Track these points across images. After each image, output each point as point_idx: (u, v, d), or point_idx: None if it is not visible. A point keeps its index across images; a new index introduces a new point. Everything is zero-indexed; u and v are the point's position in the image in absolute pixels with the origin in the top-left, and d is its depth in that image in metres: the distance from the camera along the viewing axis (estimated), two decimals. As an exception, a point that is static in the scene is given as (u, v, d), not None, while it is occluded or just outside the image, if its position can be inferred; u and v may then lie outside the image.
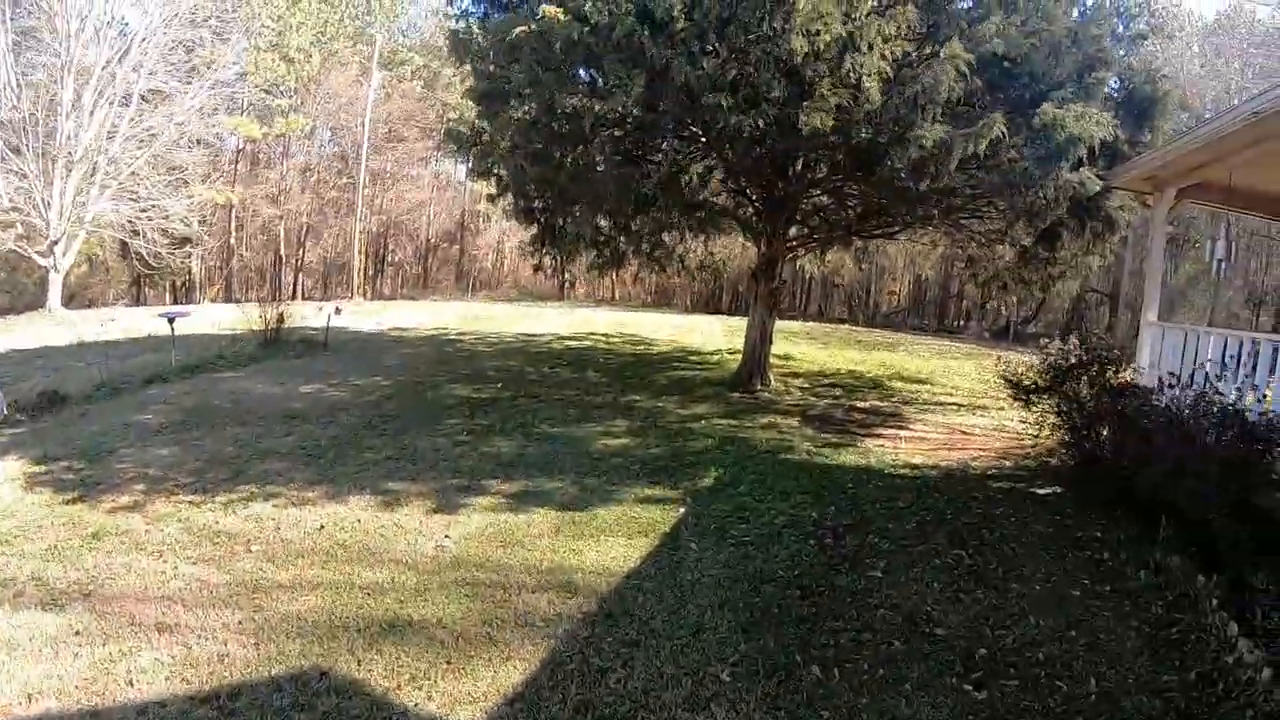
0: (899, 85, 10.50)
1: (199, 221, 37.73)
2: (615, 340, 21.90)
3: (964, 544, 8.02)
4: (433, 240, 55.50)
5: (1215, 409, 7.86)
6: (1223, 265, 10.86)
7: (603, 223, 15.05)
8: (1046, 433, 11.11)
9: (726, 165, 13.78)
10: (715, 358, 19.29)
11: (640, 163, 12.58)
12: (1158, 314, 11.98)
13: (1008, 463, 11.25)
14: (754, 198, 15.50)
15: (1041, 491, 9.82)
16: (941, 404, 15.36)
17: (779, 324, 16.16)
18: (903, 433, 12.77)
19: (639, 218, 14.18)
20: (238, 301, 39.37)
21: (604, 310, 33.67)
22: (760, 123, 10.21)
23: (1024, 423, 12.62)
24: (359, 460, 10.37)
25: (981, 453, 11.73)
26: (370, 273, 53.32)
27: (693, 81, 10.26)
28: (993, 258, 16.29)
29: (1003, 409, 14.53)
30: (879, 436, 12.37)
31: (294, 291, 45.96)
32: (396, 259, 55.95)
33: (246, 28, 39.78)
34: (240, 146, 45.36)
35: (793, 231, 16.32)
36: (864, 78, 10.08)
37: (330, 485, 9.43)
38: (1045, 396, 10.90)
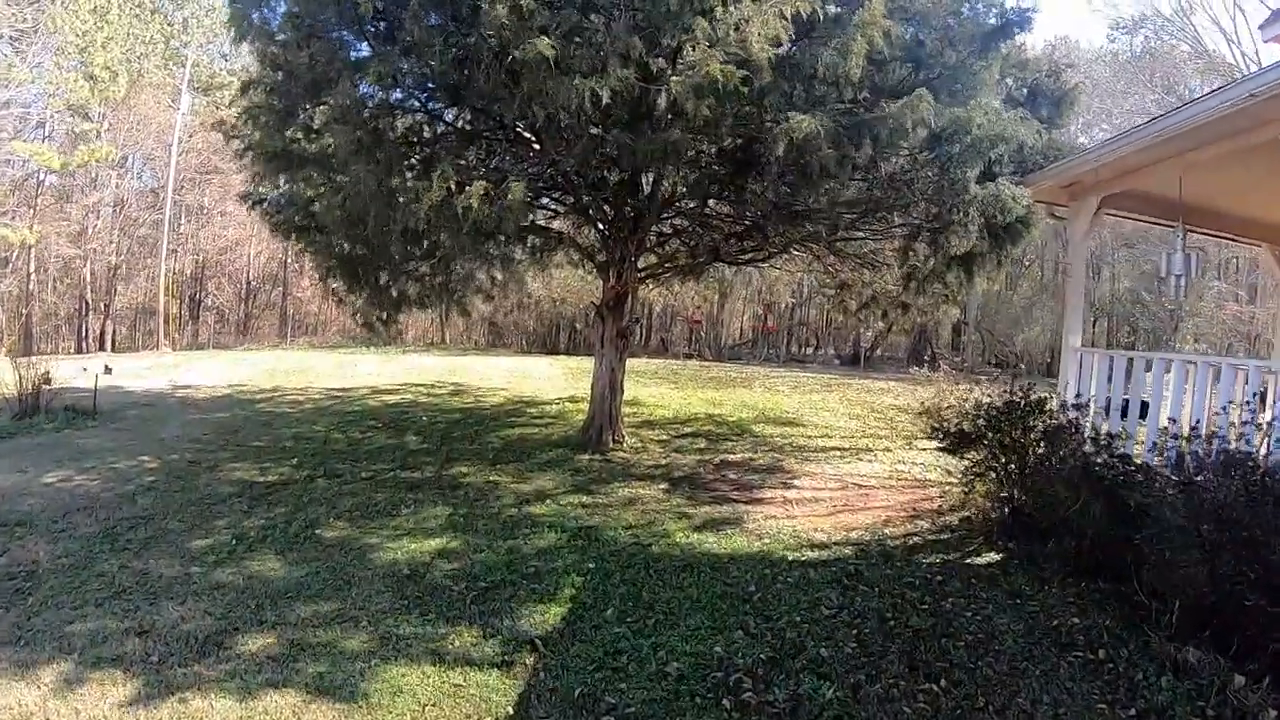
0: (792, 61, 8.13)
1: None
2: (442, 392, 19.05)
3: (929, 667, 5.87)
4: (253, 282, 50.97)
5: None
6: (1181, 282, 9.05)
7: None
8: (959, 484, 9.86)
9: (561, 178, 11.22)
10: (556, 408, 16.73)
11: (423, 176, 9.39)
12: (1081, 339, 10.36)
13: (924, 523, 9.43)
14: (599, 220, 13.01)
15: (981, 562, 8.04)
16: (822, 449, 13.47)
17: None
18: (791, 493, 10.69)
19: (408, 250, 11.38)
20: (38, 353, 35.58)
21: (432, 355, 30.67)
22: (605, 97, 7.56)
23: (919, 465, 12.12)
24: (78, 599, 7.26)
25: (889, 513, 9.82)
26: (185, 318, 48.86)
27: (508, 27, 7.61)
28: (868, 283, 14.27)
29: (889, 450, 13.61)
30: (765, 502, 10.22)
31: (101, 341, 41.46)
32: (215, 303, 51.23)
33: (45, 42, 35.51)
34: (41, 178, 40.15)
35: (644, 261, 13.97)
36: (752, 40, 7.61)
37: (22, 649, 6.36)
38: (974, 447, 8.84)
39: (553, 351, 35.59)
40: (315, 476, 11.19)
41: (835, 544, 8.54)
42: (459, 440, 13.46)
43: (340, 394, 18.40)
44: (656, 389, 20.18)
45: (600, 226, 13.11)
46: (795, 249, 13.20)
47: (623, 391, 13.32)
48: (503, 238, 10.25)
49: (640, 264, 13.46)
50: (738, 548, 8.38)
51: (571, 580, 7.50)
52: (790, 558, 8.09)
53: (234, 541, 8.67)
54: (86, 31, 36.72)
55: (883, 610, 6.81)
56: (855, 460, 12.68)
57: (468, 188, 8.26)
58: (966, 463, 9.18)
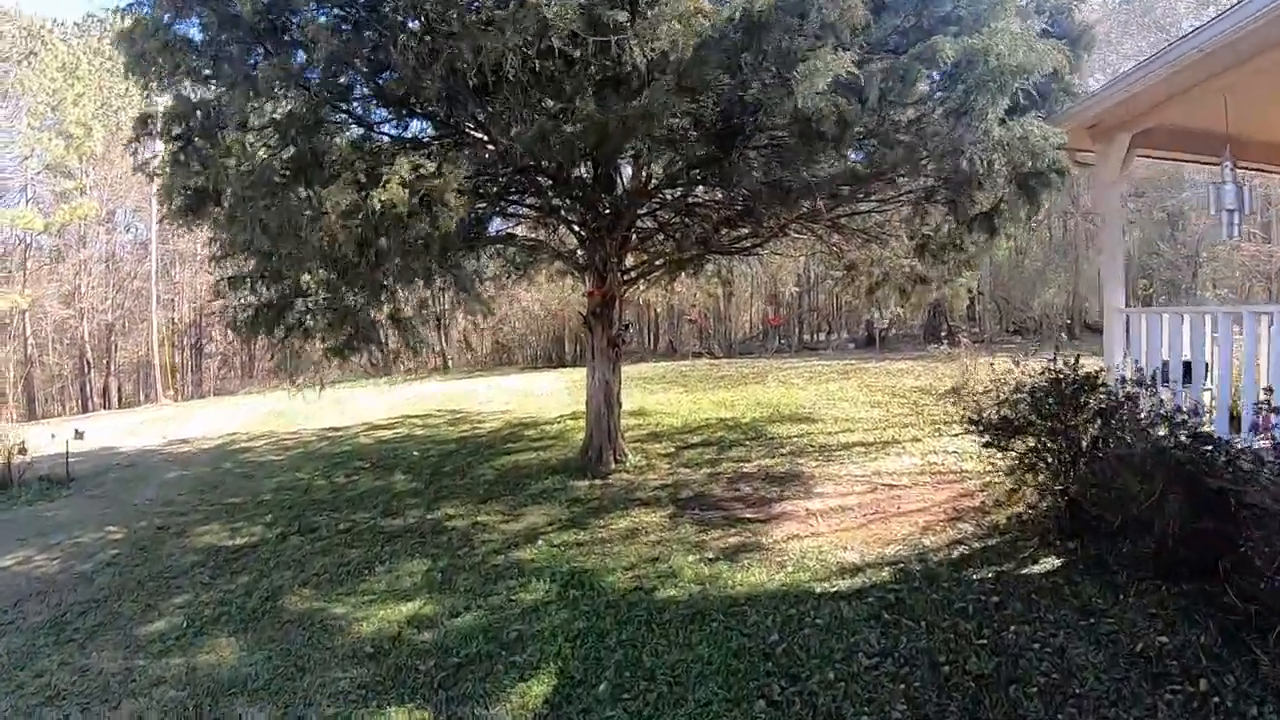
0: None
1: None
2: (437, 422, 17.93)
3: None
4: (254, 324, 50.06)
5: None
6: (1234, 218, 7.86)
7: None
8: (1003, 474, 8.53)
9: (524, 178, 10.09)
10: (556, 427, 15.58)
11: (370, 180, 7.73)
12: (1124, 297, 9.23)
13: (968, 526, 8.20)
14: (574, 221, 11.86)
15: (1040, 570, 6.86)
16: (844, 446, 12.24)
17: (629, 370, 12.58)
18: (814, 503, 9.52)
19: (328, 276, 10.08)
20: (43, 417, 35.30)
21: (433, 382, 29.49)
22: (554, 44, 6.38)
23: (953, 455, 11.02)
24: (8, 707, 6.41)
25: (927, 517, 8.61)
26: (187, 366, 48.06)
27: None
28: (877, 260, 13.06)
29: (917, 439, 12.23)
30: (785, 518, 9.06)
31: (105, 398, 41.31)
32: (218, 349, 50.25)
33: (15, 104, 34.69)
34: (28, 241, 39.51)
35: (630, 260, 12.81)
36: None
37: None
38: (1020, 435, 7.64)
39: (559, 364, 34.44)
40: (288, 534, 10.17)
41: (869, 565, 7.40)
42: (449, 475, 12.37)
43: (333, 434, 17.31)
44: (664, 395, 19.06)
45: (575, 228, 11.97)
46: (793, 230, 11.96)
47: (620, 404, 12.17)
48: (441, 251, 8.94)
49: (627, 263, 12.36)
50: (756, 583, 7.22)
51: (559, 648, 6.35)
52: (818, 590, 6.93)
53: (186, 624, 7.75)
54: (56, 90, 36.00)
55: (934, 652, 5.68)
56: (882, 455, 11.48)
57: (383, 185, 7.09)
58: (1011, 453, 7.95)
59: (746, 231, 11.77)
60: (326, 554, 9.22)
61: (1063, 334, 30.11)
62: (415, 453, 14.29)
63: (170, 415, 24.83)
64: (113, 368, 43.58)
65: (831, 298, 38.60)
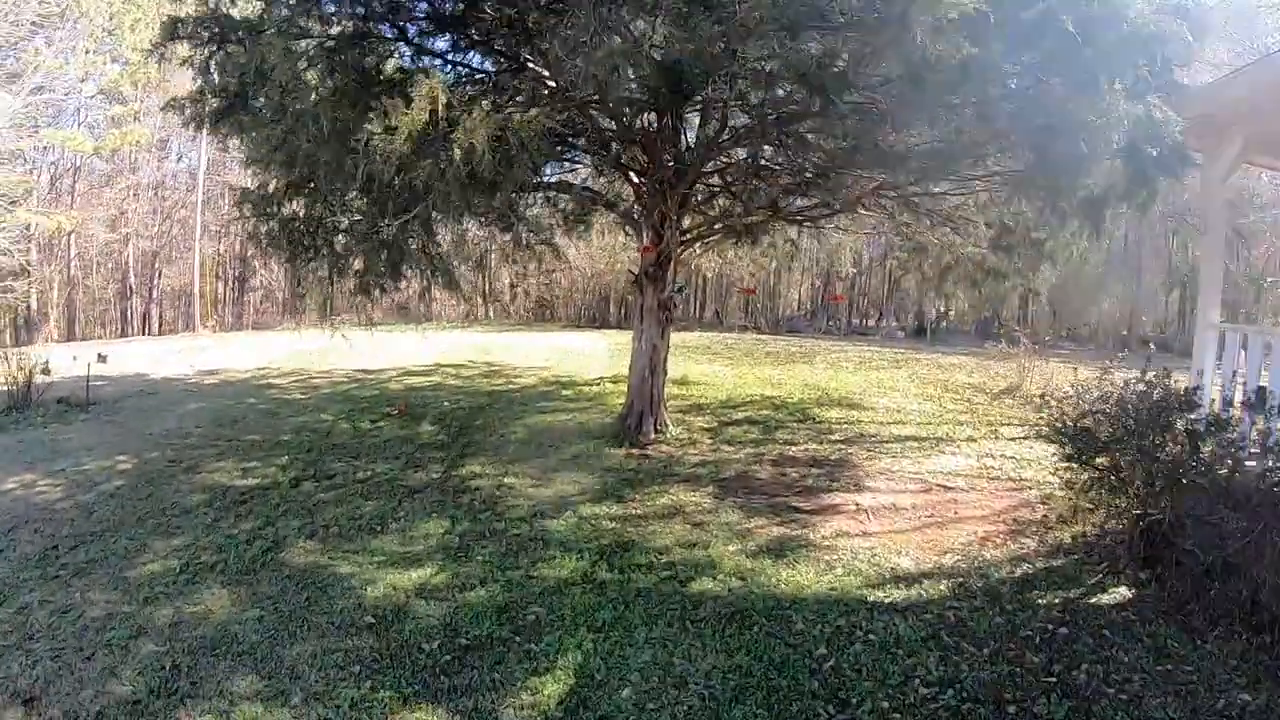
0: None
1: (29, 250, 32.95)
2: (472, 373, 17.35)
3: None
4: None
5: None
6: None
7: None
8: (1073, 491, 7.82)
9: (587, 123, 9.36)
10: (595, 389, 14.96)
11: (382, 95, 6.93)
12: (1219, 313, 8.61)
13: (1030, 541, 7.54)
14: (635, 171, 11.15)
15: (1110, 602, 6.22)
16: (896, 439, 11.51)
17: (673, 337, 11.91)
18: (865, 498, 8.80)
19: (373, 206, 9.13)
20: (83, 339, 35.00)
21: (473, 332, 28.99)
22: None
23: (1011, 460, 10.34)
24: None
25: (986, 527, 7.95)
26: (229, 299, 47.78)
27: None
28: (948, 246, 12.26)
29: (972, 439, 11.55)
30: (834, 511, 8.38)
31: (145, 324, 40.90)
32: (263, 282, 49.91)
33: (72, 27, 34.25)
34: (78, 164, 39.38)
35: (688, 221, 12.08)
36: None
37: None
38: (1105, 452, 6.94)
39: (602, 325, 33.75)
40: (302, 479, 9.59)
41: (926, 575, 6.72)
42: (478, 430, 11.75)
43: (364, 376, 16.73)
44: (709, 366, 18.41)
45: (635, 180, 11.24)
46: (865, 206, 11.16)
47: (666, 371, 11.49)
48: (511, 192, 8.23)
49: (685, 224, 11.63)
50: (803, 583, 6.55)
51: (580, 639, 5.68)
52: (871, 599, 6.26)
53: (179, 569, 7.16)
54: (115, 14, 35.43)
55: (999, 684, 5.03)
56: (936, 453, 10.76)
57: (465, 116, 6.39)
58: (1090, 469, 7.22)
59: (816, 201, 11.01)
60: (339, 504, 8.64)
61: (1114, 345, 29.13)
62: (446, 403, 13.69)
63: (205, 345, 24.46)
64: (155, 295, 43.27)
65: (884, 283, 37.68)
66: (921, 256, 13.10)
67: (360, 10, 7.46)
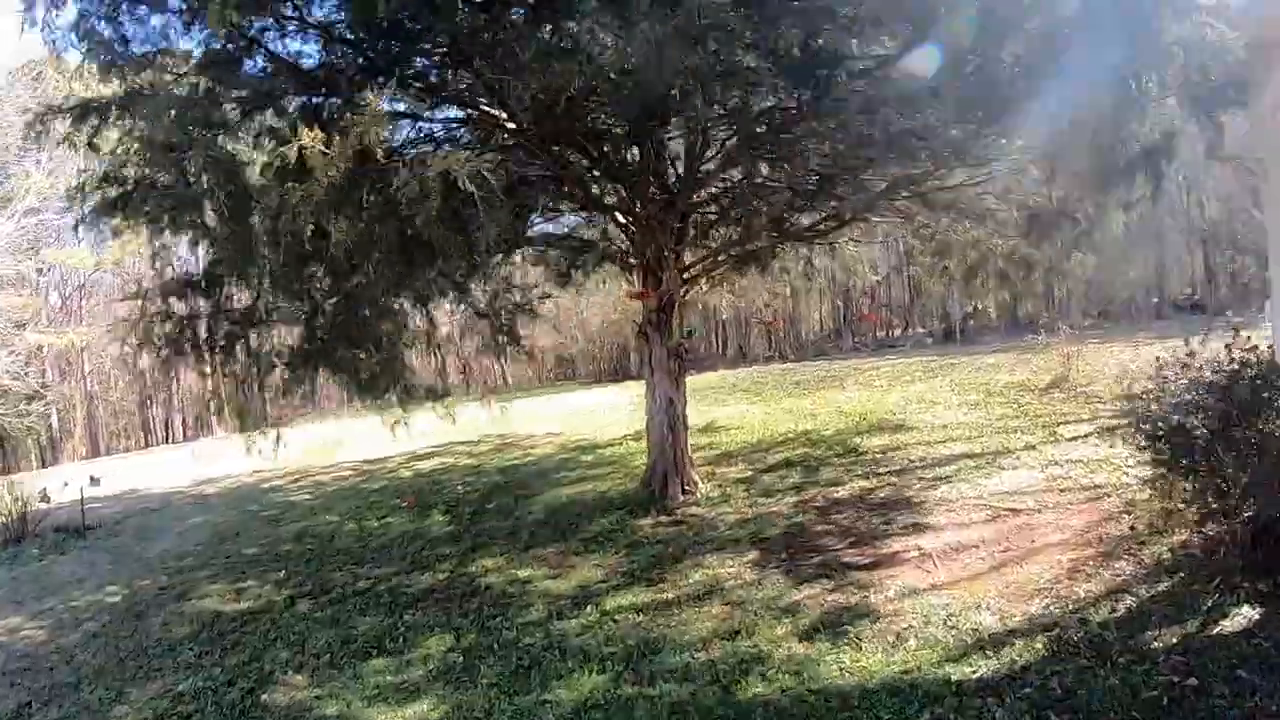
0: None
1: (44, 370, 33.10)
2: (486, 449, 16.38)
3: None
4: (315, 350, 49.38)
5: None
6: None
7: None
8: (1162, 493, 6.94)
9: (547, 151, 8.29)
10: (616, 450, 13.95)
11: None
12: None
13: (1125, 565, 6.46)
14: (618, 209, 10.17)
15: (1234, 629, 5.17)
16: (949, 459, 10.47)
17: (695, 381, 10.85)
18: (927, 539, 7.76)
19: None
20: (107, 453, 35.26)
21: (489, 403, 28.03)
22: None
23: (1079, 463, 9.29)
24: None
25: (1071, 554, 6.87)
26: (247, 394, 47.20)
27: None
28: (973, 241, 11.18)
29: (1030, 446, 10.47)
30: (895, 561, 7.35)
31: (168, 431, 40.51)
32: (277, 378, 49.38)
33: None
34: (84, 280, 39.66)
35: (689, 256, 11.10)
36: None
37: None
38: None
39: (623, 377, 32.60)
40: (297, 597, 8.77)
41: (1014, 633, 5.63)
42: (492, 515, 10.80)
43: (371, 467, 15.83)
44: (736, 406, 17.40)
45: (620, 218, 10.24)
46: (878, 211, 10.12)
47: (688, 424, 10.46)
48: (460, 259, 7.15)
49: (685, 260, 10.65)
50: (870, 669, 5.43)
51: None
52: (955, 678, 5.15)
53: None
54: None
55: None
56: (995, 469, 9.70)
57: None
58: (1188, 476, 6.15)
59: (823, 215, 9.99)
60: (334, 624, 7.72)
61: (1148, 318, 27.89)
62: (459, 487, 12.80)
63: (218, 451, 23.60)
64: (174, 401, 42.86)
65: (905, 290, 36.53)
66: (945, 257, 12.02)
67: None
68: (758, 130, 7.89)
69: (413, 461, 15.86)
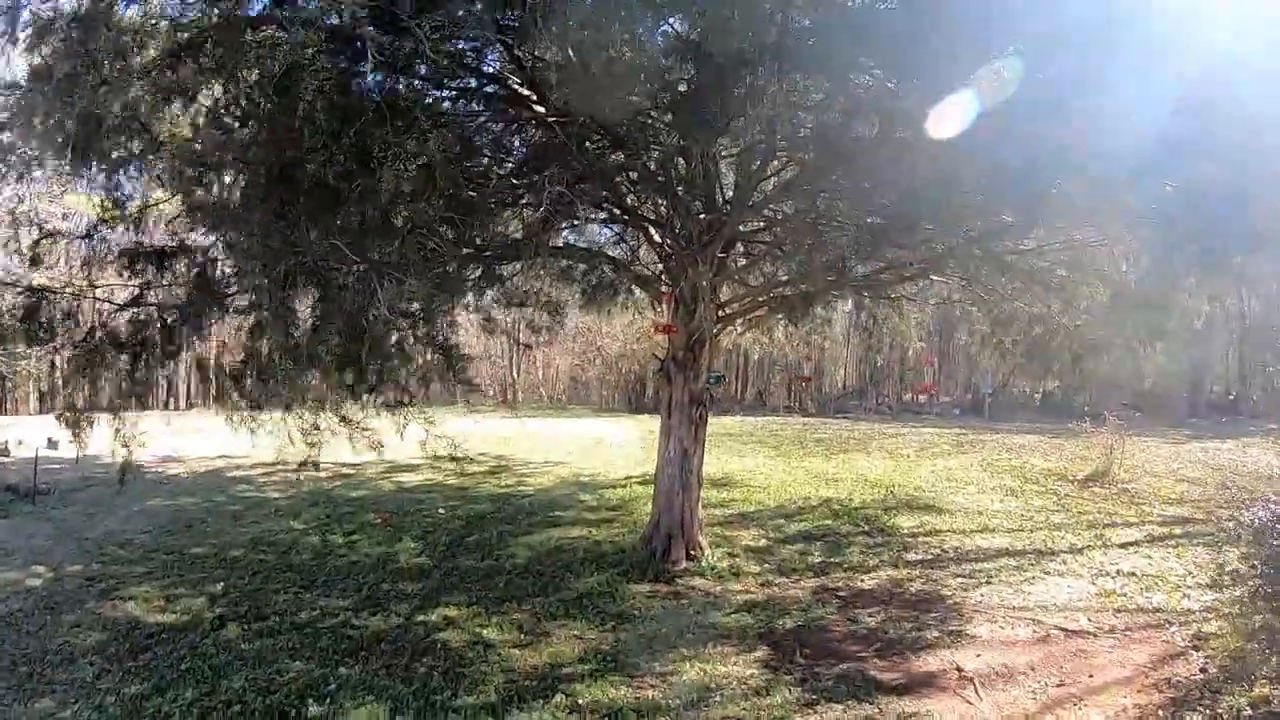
0: None
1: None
2: (480, 470, 15.15)
3: None
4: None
5: None
6: None
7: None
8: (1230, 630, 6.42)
9: (587, 164, 7.08)
10: (620, 493, 12.74)
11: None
12: None
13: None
14: (653, 223, 8.98)
15: None
16: (987, 554, 9.49)
17: (712, 424, 9.60)
18: (967, 654, 6.63)
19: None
20: (107, 409, 33.18)
21: (495, 419, 26.87)
22: None
23: (1132, 578, 8.42)
24: None
25: (1135, 695, 5.84)
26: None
27: None
28: (1039, 316, 9.90)
29: (1076, 548, 9.63)
30: (931, 684, 6.15)
31: (168, 398, 38.79)
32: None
33: None
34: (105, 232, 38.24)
35: (725, 291, 9.94)
36: None
37: None
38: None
39: (637, 409, 31.45)
40: (229, 618, 7.67)
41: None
42: (470, 550, 9.63)
43: (352, 471, 14.57)
44: (754, 459, 16.33)
45: (654, 234, 9.04)
46: (944, 267, 8.87)
47: (701, 480, 9.23)
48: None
49: (721, 295, 9.46)
50: None
51: None
52: None
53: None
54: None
55: None
56: (1039, 573, 8.65)
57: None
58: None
59: (881, 266, 8.75)
60: (258, 663, 6.56)
61: (1180, 413, 26.75)
62: (441, 510, 11.65)
63: (204, 425, 22.42)
64: (181, 368, 41.96)
65: (934, 355, 35.13)
66: (1004, 330, 10.75)
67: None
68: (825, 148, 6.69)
69: (397, 473, 14.70)
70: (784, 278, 9.56)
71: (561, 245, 9.64)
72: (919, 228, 7.34)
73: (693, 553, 8.70)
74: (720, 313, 9.41)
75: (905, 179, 6.69)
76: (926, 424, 25.37)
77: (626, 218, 8.95)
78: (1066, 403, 26.85)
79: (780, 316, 10.97)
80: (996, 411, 29.05)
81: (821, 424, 24.50)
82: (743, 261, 10.06)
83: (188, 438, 19.22)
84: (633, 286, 11.07)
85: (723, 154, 8.17)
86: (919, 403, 35.11)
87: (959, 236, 7.59)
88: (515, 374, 36.08)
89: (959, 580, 8.43)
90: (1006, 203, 6.53)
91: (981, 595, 7.98)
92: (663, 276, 9.74)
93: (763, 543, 9.70)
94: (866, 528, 10.47)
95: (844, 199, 7.83)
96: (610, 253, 10.94)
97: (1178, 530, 10.43)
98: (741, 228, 8.97)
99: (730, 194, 8.61)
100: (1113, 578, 8.47)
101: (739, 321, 10.63)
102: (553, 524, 10.69)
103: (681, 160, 7.69)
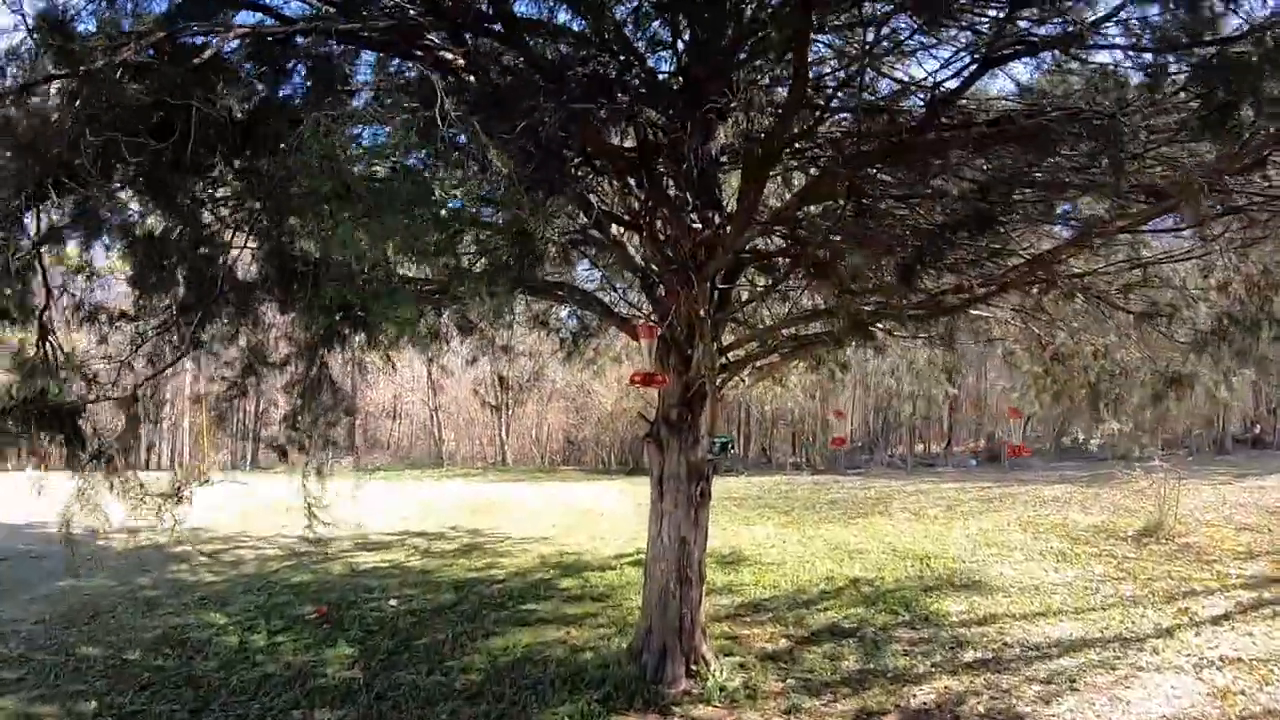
0: None
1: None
2: (450, 549, 13.16)
3: None
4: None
5: None
6: None
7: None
8: None
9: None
10: (609, 579, 10.69)
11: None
12: None
13: None
14: (636, 229, 6.85)
15: None
16: (1059, 646, 7.73)
17: (715, 486, 7.38)
18: None
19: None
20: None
21: (479, 481, 25.10)
22: None
23: (1245, 667, 7.00)
24: None
25: None
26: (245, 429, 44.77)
27: None
28: (1102, 350, 8.11)
29: (1159, 632, 8.00)
30: None
31: (149, 457, 37.48)
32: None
33: None
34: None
35: (729, 335, 8.03)
36: None
37: None
38: None
39: (634, 470, 29.45)
40: None
41: None
42: (417, 657, 7.69)
43: (305, 550, 12.61)
44: (763, 528, 14.50)
45: (638, 259, 7.10)
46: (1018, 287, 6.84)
47: (704, 578, 7.15)
48: None
49: (724, 336, 7.51)
50: None
51: None
52: None
53: None
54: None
55: None
56: (1131, 667, 7.11)
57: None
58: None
59: (934, 291, 6.70)
60: None
61: (1209, 450, 25.62)
62: (393, 601, 9.67)
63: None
64: (162, 426, 40.24)
65: (944, 400, 32.87)
66: (1060, 367, 8.82)
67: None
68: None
69: (360, 551, 12.90)
70: (808, 305, 7.62)
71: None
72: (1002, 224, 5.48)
73: (694, 668, 6.66)
74: (722, 357, 7.36)
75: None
76: (945, 478, 23.62)
77: (596, 228, 6.83)
78: (1085, 449, 25.54)
79: (799, 362, 9.06)
80: (1015, 461, 27.30)
81: (833, 482, 22.79)
82: (745, 294, 8.15)
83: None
84: (608, 326, 9.17)
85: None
86: (930, 455, 33.44)
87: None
88: (504, 434, 34.25)
89: (1036, 689, 6.64)
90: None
91: (1070, 711, 6.23)
92: (644, 310, 7.88)
93: (782, 643, 7.76)
94: (906, 615, 8.61)
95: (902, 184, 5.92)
96: (587, 288, 9.02)
97: (1266, 594, 9.03)
98: (750, 244, 7.06)
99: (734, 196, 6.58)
100: (1219, 668, 7.01)
101: (746, 370, 8.40)
102: (522, 622, 8.68)
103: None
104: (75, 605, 9.53)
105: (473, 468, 31.64)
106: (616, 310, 8.44)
